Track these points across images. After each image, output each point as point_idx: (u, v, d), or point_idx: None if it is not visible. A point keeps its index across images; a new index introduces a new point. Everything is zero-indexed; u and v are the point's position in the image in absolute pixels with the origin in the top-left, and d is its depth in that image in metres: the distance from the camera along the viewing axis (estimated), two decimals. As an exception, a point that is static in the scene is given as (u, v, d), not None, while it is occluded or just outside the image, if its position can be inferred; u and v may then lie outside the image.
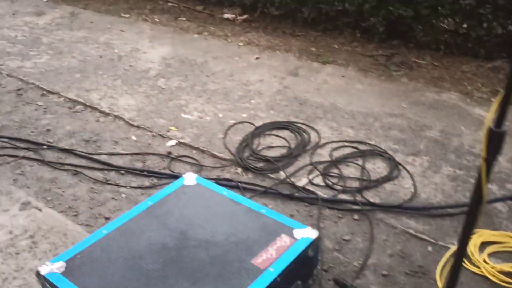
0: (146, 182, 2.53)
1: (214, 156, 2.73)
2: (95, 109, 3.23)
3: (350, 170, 2.61)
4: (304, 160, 2.69)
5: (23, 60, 3.99)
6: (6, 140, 2.89)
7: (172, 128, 2.99)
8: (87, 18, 5.02)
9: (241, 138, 2.88)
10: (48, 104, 3.31)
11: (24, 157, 2.71)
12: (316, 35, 4.61)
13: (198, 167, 2.63)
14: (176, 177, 2.53)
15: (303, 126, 3.01)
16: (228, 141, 2.85)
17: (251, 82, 3.58)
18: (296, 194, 2.41)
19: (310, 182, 2.51)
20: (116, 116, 3.13)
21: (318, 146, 2.83)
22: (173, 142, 2.86)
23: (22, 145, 2.84)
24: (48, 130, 3.00)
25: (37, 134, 2.96)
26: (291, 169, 2.61)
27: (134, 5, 5.46)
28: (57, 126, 3.05)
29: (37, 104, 3.31)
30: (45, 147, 2.82)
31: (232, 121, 3.07)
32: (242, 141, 2.84)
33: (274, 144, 2.84)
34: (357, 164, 2.65)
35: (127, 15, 5.11)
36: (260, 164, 2.65)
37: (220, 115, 3.14)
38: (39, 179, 2.53)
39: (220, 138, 2.89)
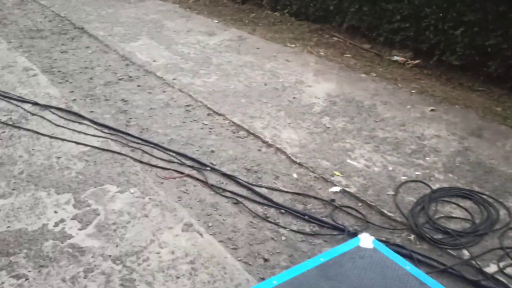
0: (307, 227, 2.41)
1: (382, 214, 2.52)
2: (257, 137, 3.26)
3: (554, 268, 2.18)
4: (492, 241, 2.33)
5: (194, 78, 4.26)
6: (173, 154, 3.04)
7: (336, 173, 2.85)
8: (253, 44, 5.23)
9: (414, 199, 2.62)
10: (213, 125, 3.44)
11: (189, 175, 2.81)
12: (501, 93, 4.14)
13: (364, 223, 2.44)
14: (339, 229, 2.39)
15: (490, 199, 2.64)
16: (400, 200, 2.61)
17: (425, 137, 3.30)
18: (483, 282, 2.07)
19: (501, 271, 2.15)
20: (278, 149, 3.11)
21: (510, 227, 2.43)
22: (337, 188, 2.71)
23: (187, 162, 2.96)
24: (212, 151, 3.09)
25: (202, 154, 3.06)
26: (475, 249, 2.27)
27: (299, 36, 5.56)
28: (220, 148, 3.13)
29: (203, 123, 3.45)
30: (208, 168, 2.89)
31: (404, 178, 2.82)
32: (417, 203, 2.57)
33: (455, 215, 2.52)
34: None
35: (293, 45, 5.21)
36: (438, 236, 2.35)
37: (390, 168, 2.92)
38: (202, 201, 2.58)
39: (390, 195, 2.66)
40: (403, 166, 2.95)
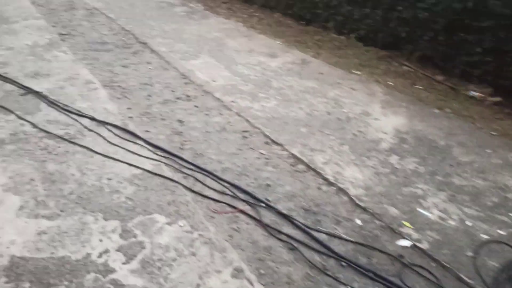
0: (371, 287, 2.14)
1: (460, 279, 2.21)
2: (318, 173, 3.04)
3: None
4: None
5: (253, 101, 4.11)
6: (227, 185, 2.88)
7: (405, 223, 2.57)
8: (317, 68, 5.04)
9: (498, 265, 2.28)
10: (270, 155, 3.25)
11: (242, 211, 2.62)
12: None
13: (438, 289, 2.14)
14: (408, 293, 2.10)
15: None
16: (481, 264, 2.29)
17: (510, 188, 2.94)
18: None
19: None
20: (340, 189, 2.87)
21: None
22: (407, 242, 2.43)
23: (241, 195, 2.79)
24: (268, 185, 2.90)
25: (257, 187, 2.88)
26: None
27: (365, 62, 5.31)
28: (277, 183, 2.93)
29: (260, 153, 3.28)
30: (263, 204, 2.70)
31: (485, 237, 2.49)
32: (502, 270, 2.24)
33: (548, 290, 2.16)
34: None
35: (358, 72, 4.96)
36: (528, 315, 2.01)
37: (468, 223, 2.59)
38: (254, 243, 2.39)
39: (469, 257, 2.34)
40: (484, 222, 2.61)
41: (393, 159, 3.23)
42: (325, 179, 2.98)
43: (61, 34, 5.84)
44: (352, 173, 3.05)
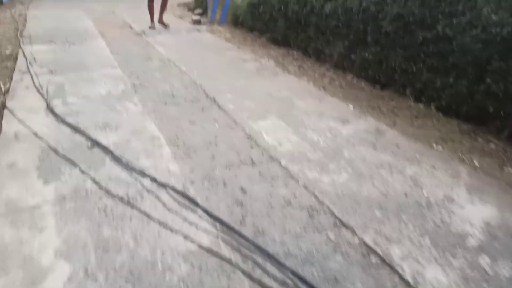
0: None
1: None
2: (393, 270, 2.69)
3: None
4: None
5: (321, 173, 3.86)
6: (290, 274, 2.60)
7: None
8: (392, 139, 4.72)
9: None
10: (339, 240, 2.96)
11: (305, 311, 2.33)
12: None
13: None
14: None
15: None
16: None
17: None
18: None
19: None
20: (421, 295, 2.50)
21: None
22: None
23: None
24: (336, 279, 2.60)
25: (323, 280, 2.58)
26: None
27: (447, 136, 4.92)
28: (346, 277, 2.62)
29: (328, 237, 2.99)
30: (329, 304, 2.39)
31: None
32: None
33: None
34: None
35: (439, 147, 4.58)
36: None
37: None
38: None
39: None
40: None
41: (483, 260, 2.81)
42: (403, 279, 2.62)
43: (133, 85, 6.01)
44: (435, 274, 2.66)
